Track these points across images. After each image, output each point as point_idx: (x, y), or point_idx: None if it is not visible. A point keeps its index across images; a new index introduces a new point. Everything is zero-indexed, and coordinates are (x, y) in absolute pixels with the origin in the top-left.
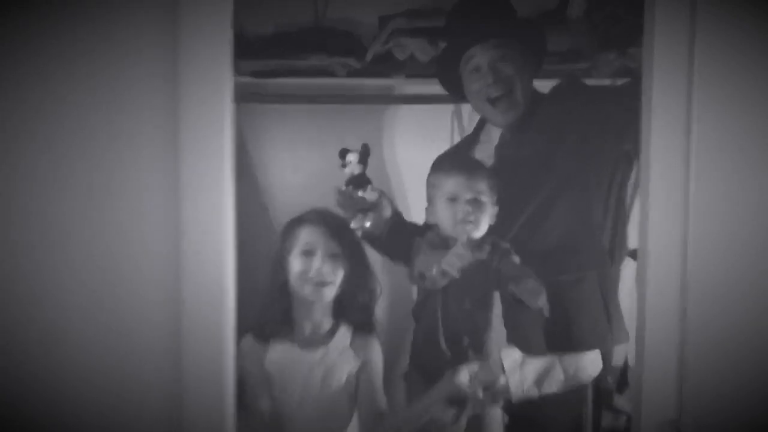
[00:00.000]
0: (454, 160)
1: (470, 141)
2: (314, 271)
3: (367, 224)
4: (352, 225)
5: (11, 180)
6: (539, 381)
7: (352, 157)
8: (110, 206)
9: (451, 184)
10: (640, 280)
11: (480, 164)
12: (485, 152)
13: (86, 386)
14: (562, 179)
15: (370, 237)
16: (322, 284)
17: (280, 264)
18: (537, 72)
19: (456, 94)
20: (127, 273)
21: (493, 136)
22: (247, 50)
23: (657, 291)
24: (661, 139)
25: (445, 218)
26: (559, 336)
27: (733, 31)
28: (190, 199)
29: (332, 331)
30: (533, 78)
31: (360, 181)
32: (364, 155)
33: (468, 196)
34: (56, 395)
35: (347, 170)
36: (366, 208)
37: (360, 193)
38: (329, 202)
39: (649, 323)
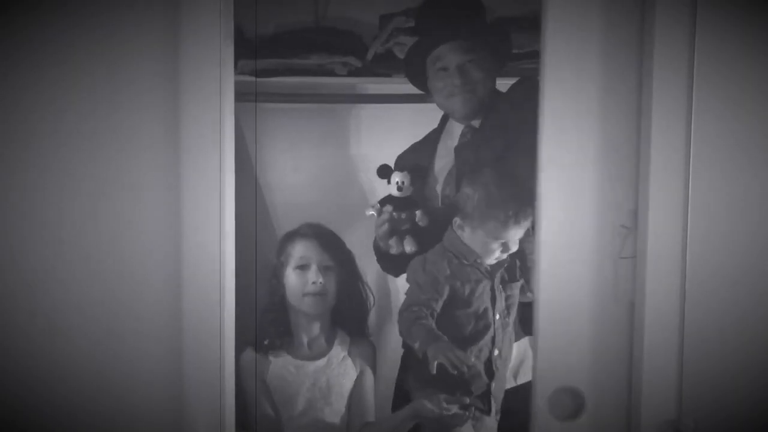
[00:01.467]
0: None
1: (433, 138)
2: (310, 283)
3: (408, 249)
4: (393, 251)
5: (11, 180)
6: (515, 371)
7: (402, 178)
8: (110, 206)
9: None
10: (640, 280)
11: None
12: (446, 149)
13: (86, 387)
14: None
15: (381, 251)
16: (317, 296)
17: (276, 278)
18: (500, 71)
19: (422, 89)
20: (127, 273)
21: (455, 132)
22: (247, 49)
23: (657, 291)
24: (661, 139)
25: None
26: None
27: (733, 31)
28: (190, 198)
29: (330, 343)
30: (495, 77)
31: (408, 203)
32: (417, 177)
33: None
34: (55, 400)
35: (393, 191)
36: (406, 231)
37: (403, 216)
38: (329, 203)
39: (649, 323)
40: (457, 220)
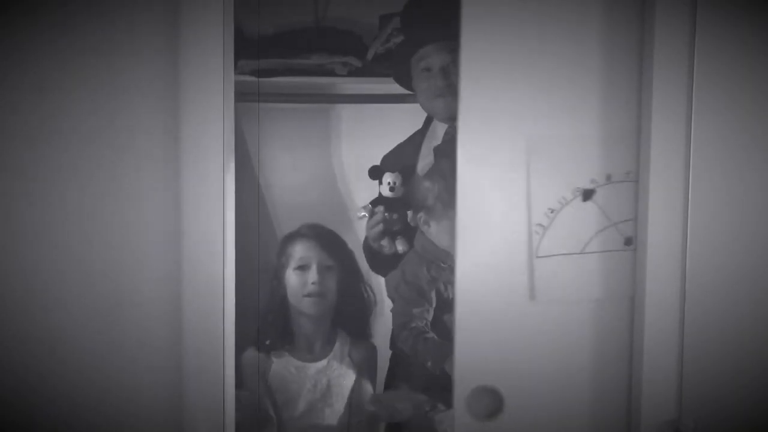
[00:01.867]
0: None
1: (417, 138)
2: (310, 284)
3: (400, 249)
4: (385, 251)
5: (11, 180)
6: None
7: (393, 179)
8: (110, 207)
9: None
10: (640, 280)
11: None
12: (429, 149)
13: (86, 388)
14: None
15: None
16: (318, 296)
17: (277, 279)
18: None
19: (408, 89)
20: (128, 273)
21: (439, 133)
22: (247, 49)
23: (657, 291)
24: (661, 139)
25: None
26: None
27: (733, 31)
28: (191, 198)
29: (331, 344)
30: None
31: (399, 204)
32: (407, 177)
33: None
34: (56, 401)
35: (385, 192)
36: (398, 231)
37: (395, 216)
38: (330, 203)
39: (649, 323)
40: (422, 216)
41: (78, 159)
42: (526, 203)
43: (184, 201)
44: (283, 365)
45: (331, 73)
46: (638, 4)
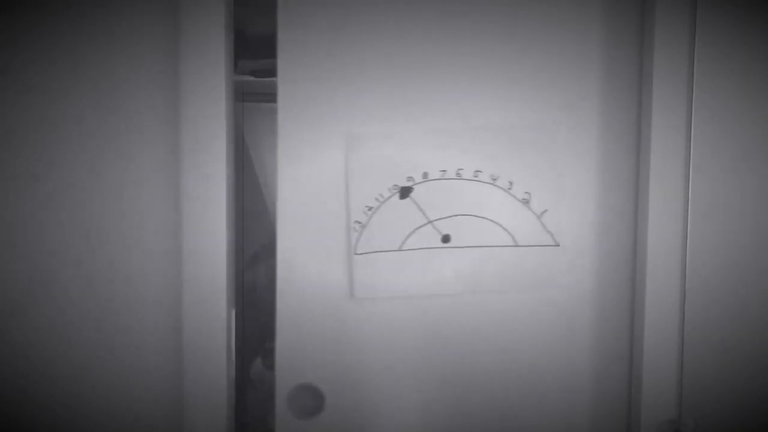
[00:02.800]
0: None
1: None
2: None
3: None
4: None
5: (11, 180)
6: None
7: None
8: (110, 206)
9: None
10: (640, 279)
11: None
12: None
13: (87, 388)
14: None
15: None
16: None
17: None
18: None
19: None
20: (128, 273)
21: None
22: (247, 50)
23: (657, 291)
24: (661, 139)
25: None
26: None
27: (733, 32)
28: (190, 199)
29: None
30: None
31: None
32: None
33: None
34: (56, 402)
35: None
36: None
37: None
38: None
39: (649, 323)
40: None
41: (78, 159)
42: (345, 201)
43: (184, 201)
44: None
45: None
46: (638, 4)
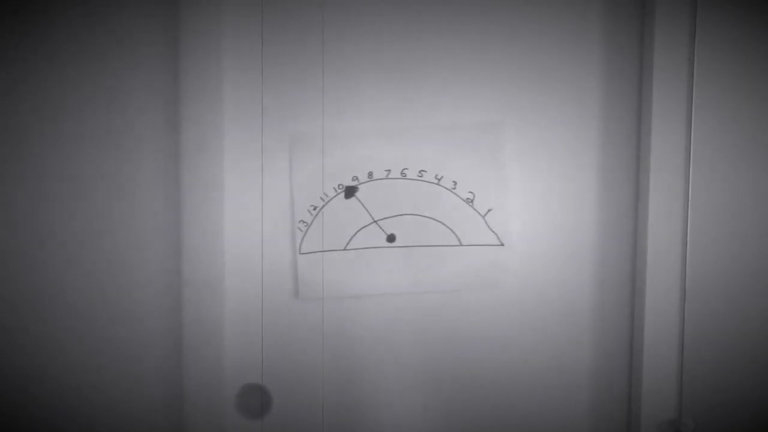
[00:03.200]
0: None
1: None
2: None
3: None
4: None
5: (11, 180)
6: None
7: None
8: (109, 207)
9: None
10: (640, 279)
11: None
12: None
13: (87, 389)
14: None
15: None
16: None
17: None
18: None
19: None
20: (127, 274)
21: None
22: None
23: (657, 291)
24: (661, 139)
25: None
26: None
27: (733, 32)
28: (191, 199)
29: None
30: None
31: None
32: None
33: None
34: (58, 402)
35: None
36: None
37: None
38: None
39: (649, 323)
40: None
41: (78, 160)
42: (290, 200)
43: (184, 201)
44: None
45: None
46: (638, 4)
